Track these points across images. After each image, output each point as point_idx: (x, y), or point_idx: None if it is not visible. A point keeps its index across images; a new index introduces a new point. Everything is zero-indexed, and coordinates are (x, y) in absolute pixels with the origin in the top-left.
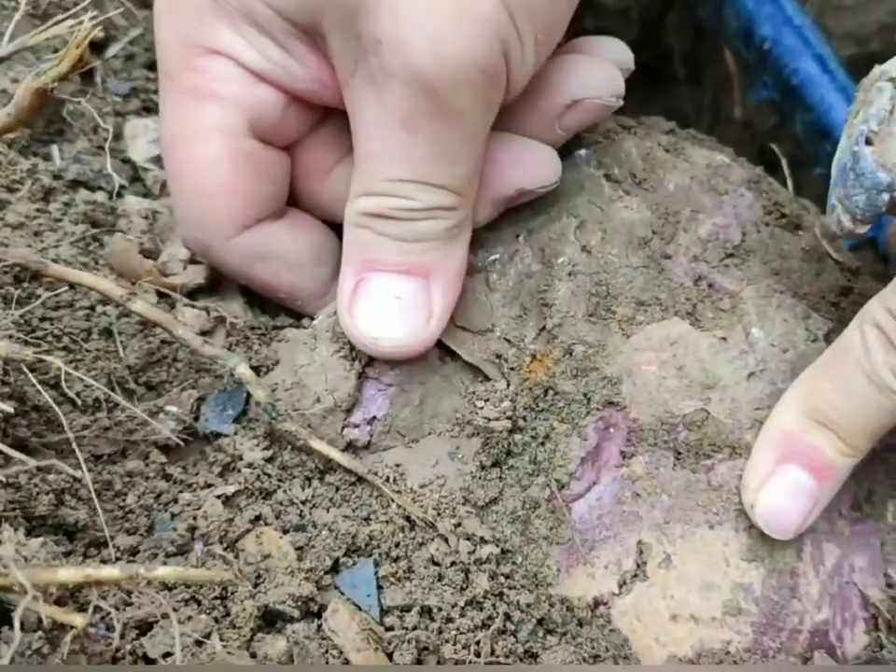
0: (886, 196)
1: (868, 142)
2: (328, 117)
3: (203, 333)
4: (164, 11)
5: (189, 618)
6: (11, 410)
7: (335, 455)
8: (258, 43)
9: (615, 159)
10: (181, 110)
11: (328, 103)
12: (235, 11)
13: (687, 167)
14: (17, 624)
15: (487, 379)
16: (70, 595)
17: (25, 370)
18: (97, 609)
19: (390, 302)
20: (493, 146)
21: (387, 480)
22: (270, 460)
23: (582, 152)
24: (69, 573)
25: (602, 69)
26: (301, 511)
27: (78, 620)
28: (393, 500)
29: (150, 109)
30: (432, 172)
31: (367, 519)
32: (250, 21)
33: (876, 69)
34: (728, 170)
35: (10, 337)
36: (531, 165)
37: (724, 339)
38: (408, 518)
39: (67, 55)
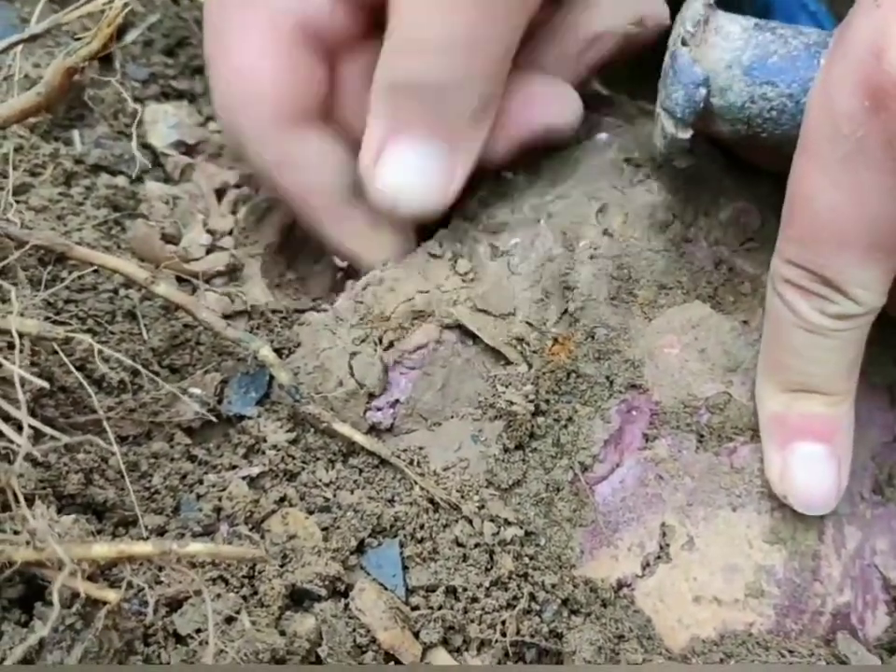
0: (703, 90)
1: (684, 43)
2: (371, 32)
3: (225, 317)
4: None
5: (218, 596)
6: (46, 385)
7: (358, 437)
8: None
9: (636, 142)
10: (229, 4)
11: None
12: None
13: (706, 150)
14: (56, 598)
15: (509, 363)
16: (101, 573)
17: (57, 349)
18: (130, 585)
19: (415, 165)
20: (515, 81)
21: (410, 462)
22: (293, 442)
23: (603, 136)
24: (103, 549)
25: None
26: (326, 492)
27: (112, 596)
28: (416, 483)
29: (169, 95)
30: (467, 36)
31: (391, 501)
32: None
33: None
34: None
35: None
36: (554, 101)
37: (746, 322)
38: (432, 500)
39: (98, 34)
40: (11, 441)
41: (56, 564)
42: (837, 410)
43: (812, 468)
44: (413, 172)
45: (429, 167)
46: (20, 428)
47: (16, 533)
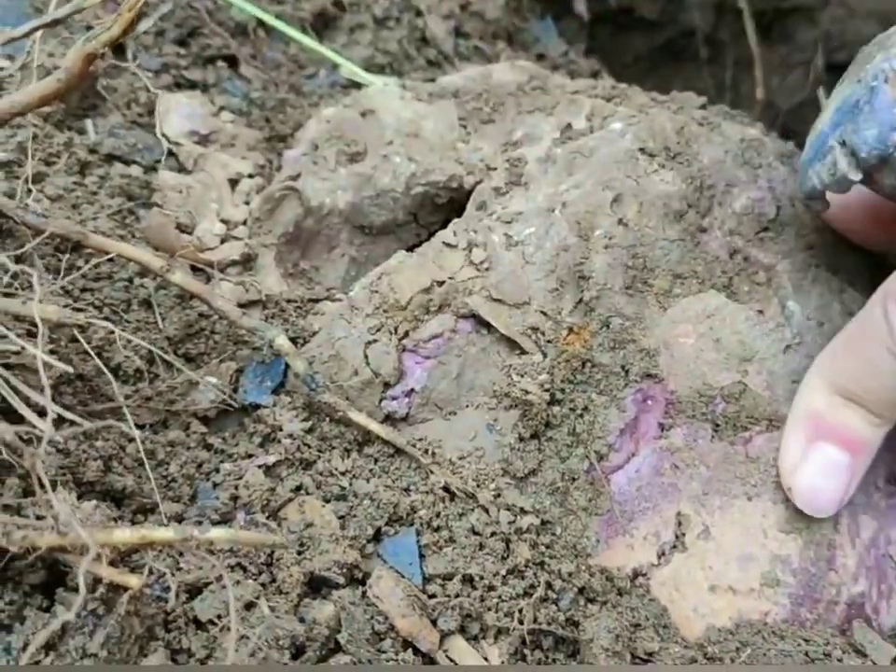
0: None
1: (886, 80)
2: None
3: (239, 307)
4: None
5: (238, 583)
6: (70, 370)
7: (374, 426)
8: None
9: (650, 132)
10: None
11: None
12: None
13: (721, 141)
14: (81, 583)
15: (524, 352)
16: (121, 559)
17: (78, 336)
18: (151, 570)
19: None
20: None
21: (426, 452)
22: (309, 431)
23: (617, 126)
24: (125, 534)
25: None
26: (342, 481)
27: (134, 581)
28: (432, 472)
29: (181, 85)
30: None
31: (407, 489)
32: None
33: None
34: (761, 144)
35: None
36: None
37: (761, 312)
38: (447, 489)
39: (119, 19)
40: (34, 427)
41: (79, 549)
42: (875, 431)
43: (828, 471)
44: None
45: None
46: (40, 414)
47: (38, 518)
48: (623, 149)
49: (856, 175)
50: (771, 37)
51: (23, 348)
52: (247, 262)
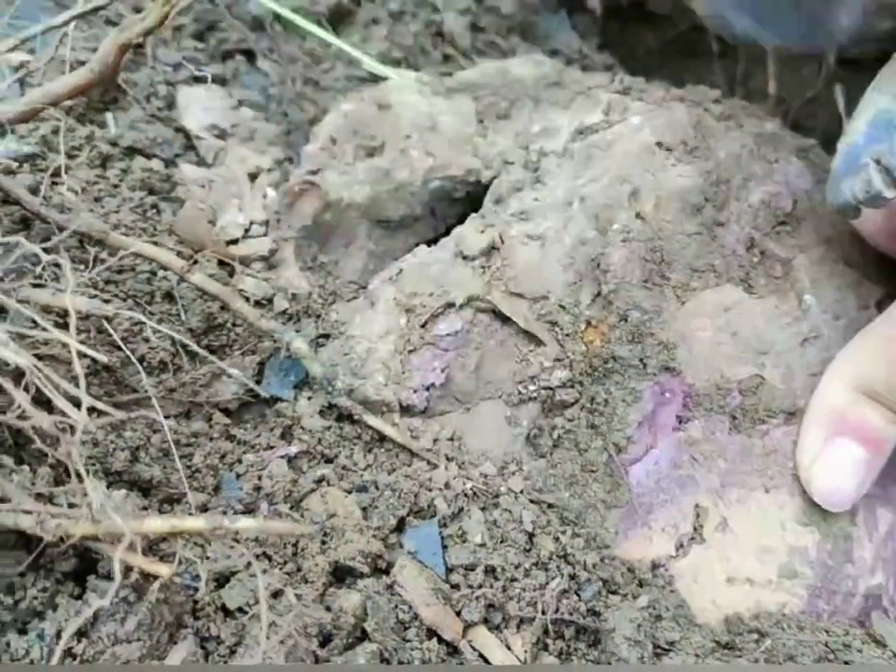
0: None
1: None
2: None
3: (264, 301)
4: None
5: (264, 572)
6: (105, 359)
7: (389, 430)
8: None
9: (667, 127)
10: None
11: None
12: None
13: (737, 135)
14: (117, 568)
15: (543, 345)
16: (149, 548)
17: (108, 327)
18: (181, 560)
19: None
20: None
21: (437, 453)
22: (329, 428)
23: (635, 120)
24: (156, 523)
25: None
26: (363, 473)
27: (164, 570)
28: (449, 469)
29: (199, 79)
30: None
31: (428, 481)
32: None
33: None
34: (777, 138)
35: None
36: None
37: (777, 306)
38: (467, 481)
39: (153, 11)
40: (66, 416)
41: (112, 538)
42: (894, 429)
43: (846, 466)
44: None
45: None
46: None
47: (71, 507)
48: (641, 144)
49: (891, 194)
50: None
51: (59, 339)
52: (272, 257)
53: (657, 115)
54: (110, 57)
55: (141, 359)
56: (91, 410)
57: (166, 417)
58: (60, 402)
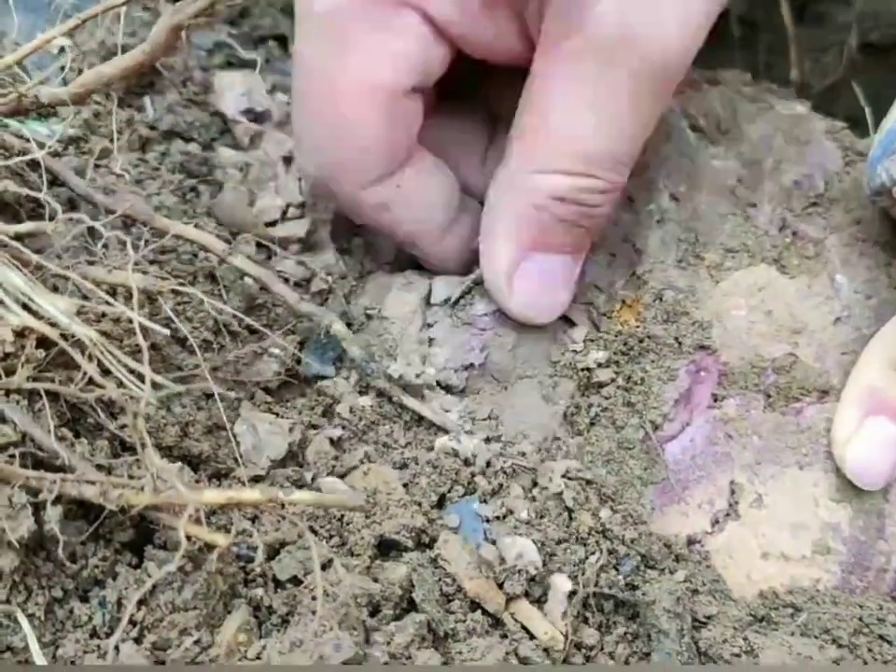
0: None
1: None
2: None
3: (302, 282)
4: None
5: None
6: (167, 332)
7: (427, 412)
8: None
9: (700, 109)
10: (348, 61)
11: (499, 63)
12: None
13: (770, 117)
14: (182, 536)
15: (577, 325)
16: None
17: (162, 303)
18: (237, 531)
19: (547, 281)
20: None
21: (486, 418)
22: (370, 405)
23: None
24: (213, 494)
25: None
26: (404, 450)
27: (222, 540)
28: (489, 447)
29: (233, 63)
30: (632, 150)
31: (467, 459)
32: None
33: None
34: (809, 120)
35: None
36: None
37: (810, 285)
38: (506, 459)
39: None
40: (127, 389)
41: (173, 508)
42: None
43: (882, 445)
44: (545, 291)
45: (558, 283)
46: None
47: (130, 478)
48: (674, 126)
49: None
50: (804, 19)
51: (122, 314)
52: (309, 239)
53: (691, 98)
54: (162, 38)
55: (185, 339)
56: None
57: (210, 395)
58: (124, 376)
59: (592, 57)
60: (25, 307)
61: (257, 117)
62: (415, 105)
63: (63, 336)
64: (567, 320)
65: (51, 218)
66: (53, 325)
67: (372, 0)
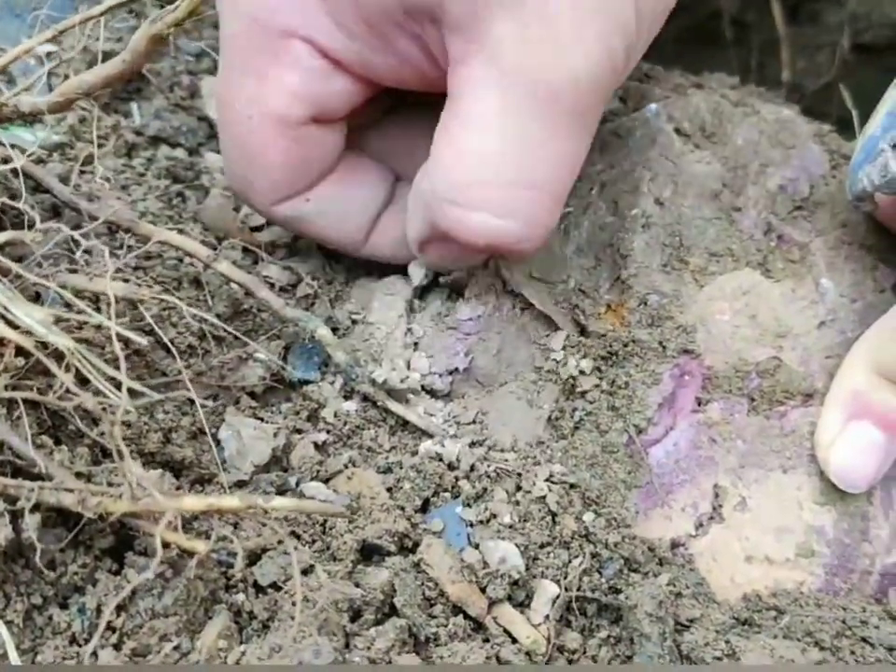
0: None
1: None
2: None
3: (288, 287)
4: None
5: (295, 549)
6: (145, 342)
7: (412, 417)
8: (345, 25)
9: (685, 113)
10: (244, 89)
11: (419, 88)
12: None
13: (755, 121)
14: (158, 544)
15: (563, 329)
16: (183, 526)
17: (143, 311)
18: (220, 537)
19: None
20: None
21: (471, 422)
22: (354, 410)
23: (653, 107)
24: (192, 501)
25: None
26: (388, 454)
27: (201, 546)
28: (473, 451)
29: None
30: (545, 176)
31: (451, 463)
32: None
33: None
34: (795, 124)
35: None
36: None
37: (795, 289)
38: (490, 463)
39: (184, 2)
40: (105, 398)
41: (151, 515)
42: None
43: (865, 448)
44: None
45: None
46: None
47: (110, 485)
48: (659, 130)
49: None
50: (797, 19)
51: (99, 323)
52: (295, 244)
53: (675, 101)
54: (141, 47)
55: (170, 344)
56: (128, 391)
57: (194, 401)
58: (100, 384)
59: (493, 82)
60: (1, 317)
61: None
62: (323, 133)
63: (44, 345)
64: (552, 324)
65: (31, 227)
66: (31, 334)
67: (263, 31)
